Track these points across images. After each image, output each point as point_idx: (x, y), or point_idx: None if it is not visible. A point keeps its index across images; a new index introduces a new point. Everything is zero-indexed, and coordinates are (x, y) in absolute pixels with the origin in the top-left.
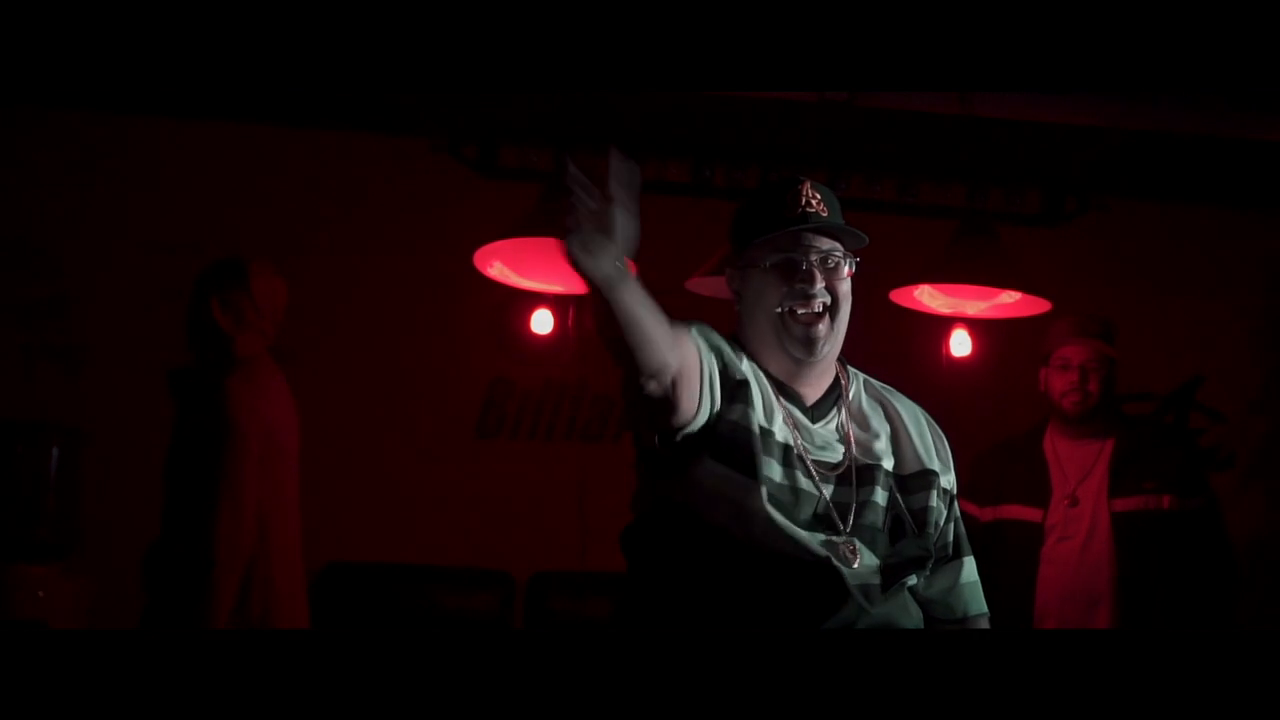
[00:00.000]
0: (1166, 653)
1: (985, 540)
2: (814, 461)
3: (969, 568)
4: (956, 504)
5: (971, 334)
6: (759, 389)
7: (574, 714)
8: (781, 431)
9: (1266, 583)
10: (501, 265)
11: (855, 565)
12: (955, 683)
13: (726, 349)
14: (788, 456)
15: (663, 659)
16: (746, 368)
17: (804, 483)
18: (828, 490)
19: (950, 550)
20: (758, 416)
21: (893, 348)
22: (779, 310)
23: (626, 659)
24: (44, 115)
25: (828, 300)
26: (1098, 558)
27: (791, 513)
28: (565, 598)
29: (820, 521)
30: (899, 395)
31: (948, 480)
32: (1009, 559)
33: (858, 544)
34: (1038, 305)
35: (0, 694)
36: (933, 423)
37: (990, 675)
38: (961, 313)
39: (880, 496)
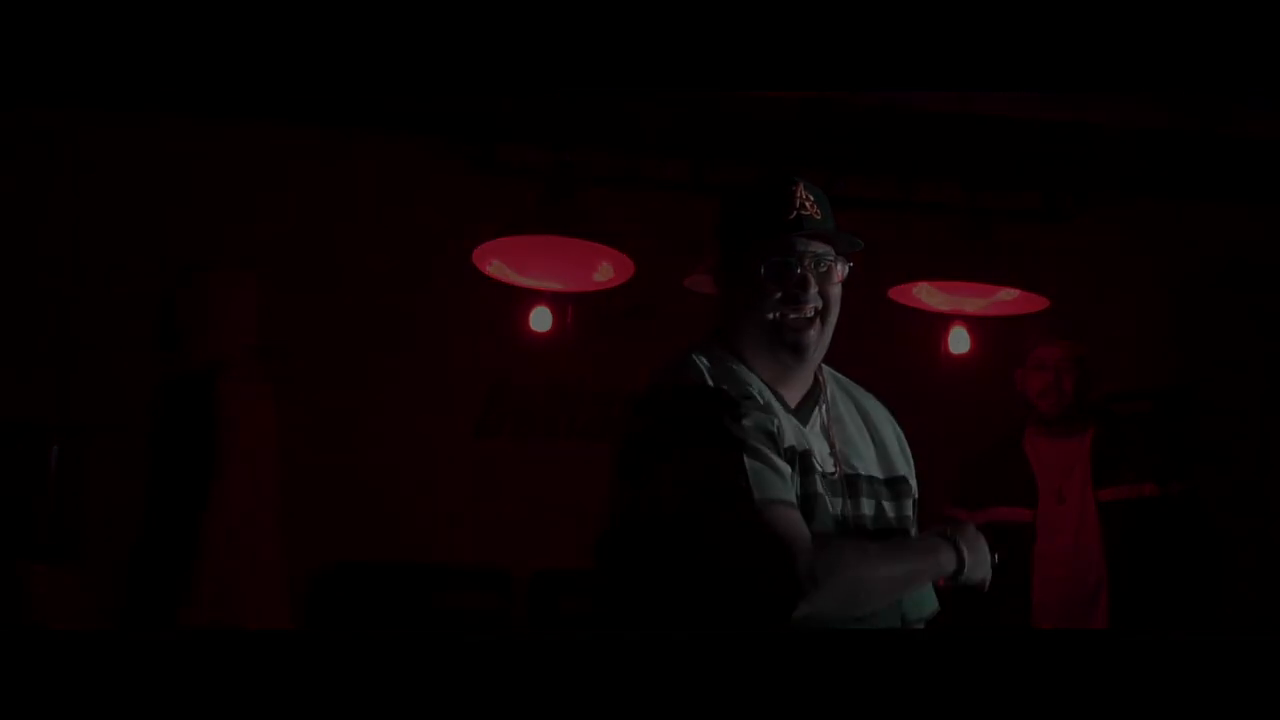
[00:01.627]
0: (1165, 653)
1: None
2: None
3: None
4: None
5: (970, 331)
6: (774, 410)
7: (574, 714)
8: (796, 438)
9: (1262, 578)
10: (500, 263)
11: None
12: (955, 683)
13: (768, 422)
14: (806, 464)
15: (665, 659)
16: (759, 390)
17: (807, 488)
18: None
19: None
20: (786, 440)
21: (891, 345)
22: (771, 316)
23: (628, 659)
24: (44, 116)
25: (819, 304)
26: (1090, 550)
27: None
28: (565, 597)
29: (820, 529)
30: (868, 395)
31: (914, 485)
32: (1004, 561)
33: None
34: (1036, 303)
35: (0, 694)
36: (898, 425)
37: (990, 675)
38: (960, 310)
39: (868, 507)
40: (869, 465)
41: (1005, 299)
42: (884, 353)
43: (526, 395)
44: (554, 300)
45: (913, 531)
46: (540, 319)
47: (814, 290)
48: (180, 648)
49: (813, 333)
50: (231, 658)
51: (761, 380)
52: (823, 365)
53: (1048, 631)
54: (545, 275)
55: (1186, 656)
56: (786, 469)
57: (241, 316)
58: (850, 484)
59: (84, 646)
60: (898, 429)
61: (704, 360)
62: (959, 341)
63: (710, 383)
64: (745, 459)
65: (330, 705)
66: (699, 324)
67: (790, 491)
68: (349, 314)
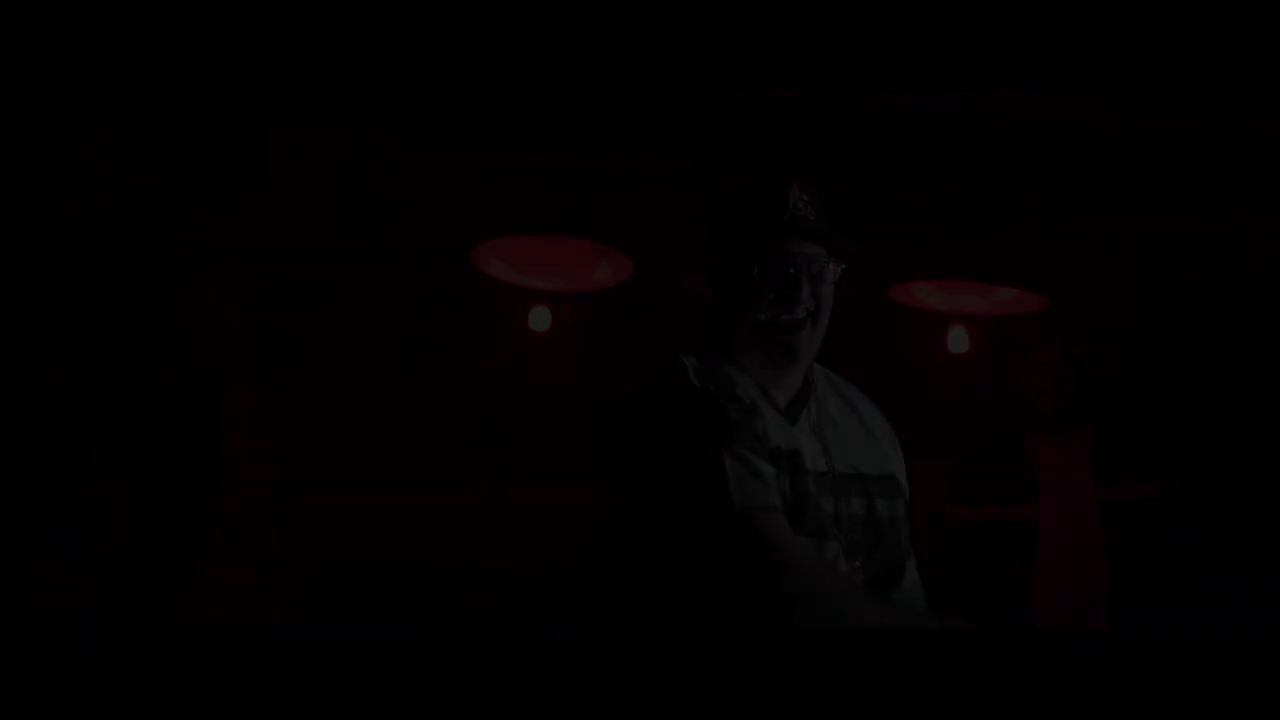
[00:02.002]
0: (1165, 653)
1: (980, 543)
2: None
3: (912, 568)
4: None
5: (970, 331)
6: (760, 411)
7: (575, 714)
8: (783, 439)
9: (1261, 576)
10: (500, 263)
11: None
12: (955, 683)
13: (753, 424)
14: (795, 464)
15: (664, 659)
16: (746, 391)
17: (798, 489)
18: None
19: (905, 554)
20: (773, 441)
21: (891, 345)
22: (764, 317)
23: (628, 659)
24: (47, 111)
25: (812, 306)
26: (1091, 547)
27: (793, 523)
28: (565, 597)
29: (812, 529)
30: (860, 394)
31: (906, 485)
32: (1005, 559)
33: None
34: (1036, 303)
35: (1, 694)
36: (887, 424)
37: (990, 675)
38: (960, 310)
39: (859, 506)
40: (860, 464)
41: (1005, 299)
42: (884, 353)
43: (527, 395)
44: (554, 300)
45: (905, 532)
46: (540, 319)
47: (806, 292)
48: (180, 648)
49: (805, 334)
50: (231, 657)
51: (751, 380)
52: (814, 364)
53: (1048, 631)
54: (545, 275)
55: (1186, 656)
56: (770, 472)
57: (240, 319)
58: (841, 483)
59: (84, 646)
60: (889, 428)
61: (692, 360)
62: (959, 341)
63: (695, 384)
64: (726, 463)
65: (330, 704)
66: (699, 324)
67: (773, 495)
68: (349, 314)
